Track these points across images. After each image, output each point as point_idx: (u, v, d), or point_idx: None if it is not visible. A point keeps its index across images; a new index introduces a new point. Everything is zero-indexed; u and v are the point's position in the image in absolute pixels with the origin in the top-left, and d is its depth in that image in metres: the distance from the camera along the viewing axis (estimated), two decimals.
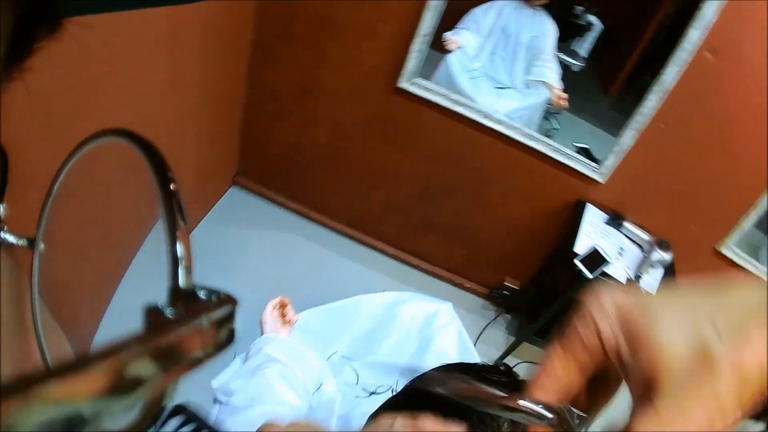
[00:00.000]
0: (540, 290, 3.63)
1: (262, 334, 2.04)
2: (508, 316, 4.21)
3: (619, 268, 3.14)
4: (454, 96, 3.38)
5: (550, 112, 3.47)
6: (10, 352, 0.43)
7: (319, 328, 2.31)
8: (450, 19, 3.37)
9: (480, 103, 3.38)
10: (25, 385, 0.23)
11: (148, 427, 0.34)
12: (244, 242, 3.97)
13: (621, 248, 3.26)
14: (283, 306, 2.10)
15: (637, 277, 3.08)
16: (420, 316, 2.41)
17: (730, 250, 3.41)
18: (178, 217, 0.35)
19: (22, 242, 0.46)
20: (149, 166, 0.36)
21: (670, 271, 3.22)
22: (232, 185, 4.37)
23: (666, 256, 3.07)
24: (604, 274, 3.07)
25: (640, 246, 3.35)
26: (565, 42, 3.48)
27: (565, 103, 3.34)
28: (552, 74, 3.37)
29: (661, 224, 3.41)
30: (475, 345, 3.52)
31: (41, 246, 0.46)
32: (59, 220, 0.45)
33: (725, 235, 3.38)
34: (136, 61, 2.36)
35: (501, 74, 3.43)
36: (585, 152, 3.42)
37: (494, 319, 4.05)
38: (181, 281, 0.34)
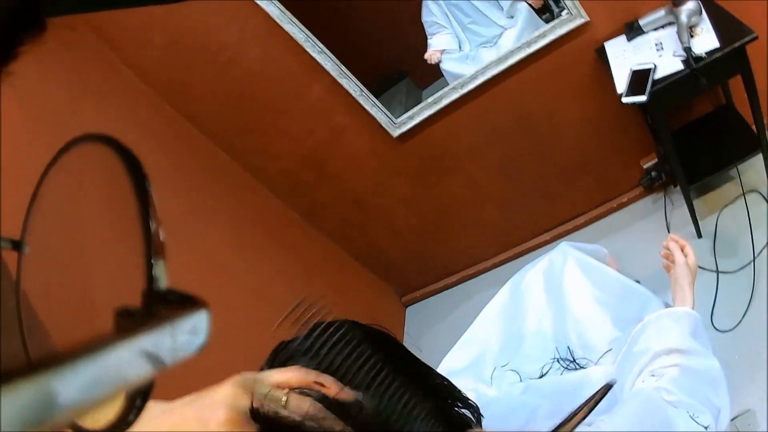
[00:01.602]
0: (671, 143, 3.40)
1: None
2: (677, 189, 3.93)
3: (667, 61, 2.81)
4: (455, 82, 3.40)
5: (537, 10, 3.35)
6: None
7: (465, 362, 2.25)
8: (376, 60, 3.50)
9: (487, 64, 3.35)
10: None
11: (126, 425, 0.33)
12: (448, 332, 3.98)
13: (657, 43, 2.96)
14: None
15: (688, 50, 2.67)
16: (539, 279, 2.34)
17: None
18: (151, 220, 0.35)
19: (5, 244, 0.46)
20: (126, 171, 0.36)
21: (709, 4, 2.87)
22: (406, 308, 4.50)
23: (689, 6, 2.76)
24: (660, 81, 2.74)
25: (670, 23, 2.99)
26: None
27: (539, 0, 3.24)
28: None
29: None
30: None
31: (27, 248, 0.46)
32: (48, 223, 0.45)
33: None
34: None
35: (486, 32, 3.37)
36: (541, 11, 3.27)
37: (665, 202, 3.78)
38: (154, 284, 0.34)
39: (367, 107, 3.44)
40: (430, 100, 3.45)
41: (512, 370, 2.11)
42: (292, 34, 3.15)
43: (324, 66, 3.27)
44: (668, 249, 1.89)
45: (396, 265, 4.41)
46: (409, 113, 3.51)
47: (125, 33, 3.26)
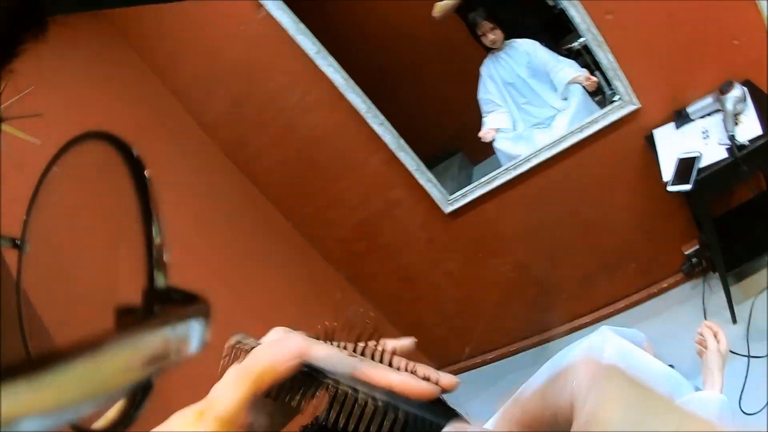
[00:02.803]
0: (712, 230, 3.34)
1: None
2: (716, 274, 3.86)
3: (712, 149, 2.79)
4: (509, 164, 3.39)
5: (592, 93, 3.35)
6: None
7: None
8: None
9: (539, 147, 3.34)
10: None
11: (129, 421, 0.33)
12: (480, 408, 3.91)
13: (703, 131, 2.93)
14: None
15: (732, 138, 2.65)
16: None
17: None
18: (153, 218, 0.34)
19: (4, 243, 0.44)
20: (127, 169, 0.35)
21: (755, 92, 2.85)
22: None
23: (735, 93, 2.74)
24: (704, 170, 2.72)
25: (715, 111, 2.96)
26: (559, 38, 3.40)
27: (594, 82, 3.24)
28: (568, 71, 3.28)
29: (712, 75, 2.99)
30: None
31: (27, 247, 0.45)
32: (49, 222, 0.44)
33: None
34: None
35: (540, 113, 3.38)
36: (594, 93, 3.28)
37: (704, 288, 3.70)
38: (156, 282, 0.33)
39: (422, 182, 3.44)
40: (483, 179, 3.44)
41: None
42: (354, 105, 3.18)
43: (383, 138, 3.29)
44: (702, 335, 1.91)
45: (437, 339, 4.35)
46: (462, 191, 3.49)
47: (190, 83, 3.35)
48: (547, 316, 4.12)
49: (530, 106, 3.37)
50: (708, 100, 2.93)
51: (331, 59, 3.10)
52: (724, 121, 2.77)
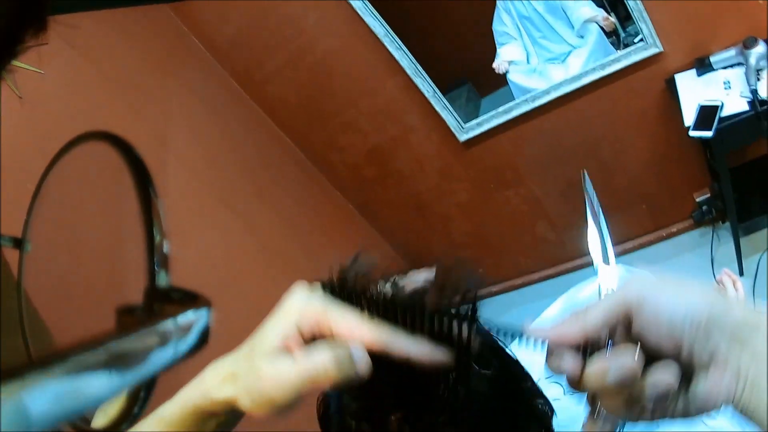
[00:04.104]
0: (728, 181, 3.32)
1: None
2: (727, 224, 3.85)
3: (734, 100, 2.78)
4: (527, 95, 3.35)
5: (609, 34, 3.31)
6: None
7: None
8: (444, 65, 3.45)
9: (556, 81, 3.31)
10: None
11: (132, 418, 0.33)
12: None
13: (725, 81, 2.90)
14: None
15: (754, 92, 2.64)
16: (595, 296, 2.32)
17: None
18: (155, 218, 0.34)
19: (5, 242, 0.45)
20: (129, 169, 0.35)
21: None
22: None
23: (759, 49, 2.71)
24: (725, 119, 2.72)
25: (739, 64, 2.93)
26: None
27: (611, 22, 3.19)
28: (585, 10, 3.20)
29: (735, 29, 2.96)
30: (713, 273, 3.34)
31: (29, 246, 0.45)
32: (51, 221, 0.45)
33: None
34: None
35: (555, 48, 3.33)
36: (617, 38, 3.21)
37: (713, 237, 3.70)
38: (157, 282, 0.33)
39: (438, 109, 3.40)
40: (501, 108, 3.39)
41: (556, 383, 2.12)
42: (372, 28, 3.12)
43: (401, 63, 3.23)
44: (721, 282, 1.89)
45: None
46: (478, 120, 3.45)
47: (202, 8, 3.28)
48: (557, 250, 4.14)
49: (545, 40, 3.31)
50: (731, 52, 2.90)
51: None
52: (747, 74, 2.74)
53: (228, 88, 3.47)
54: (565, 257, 4.15)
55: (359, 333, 0.59)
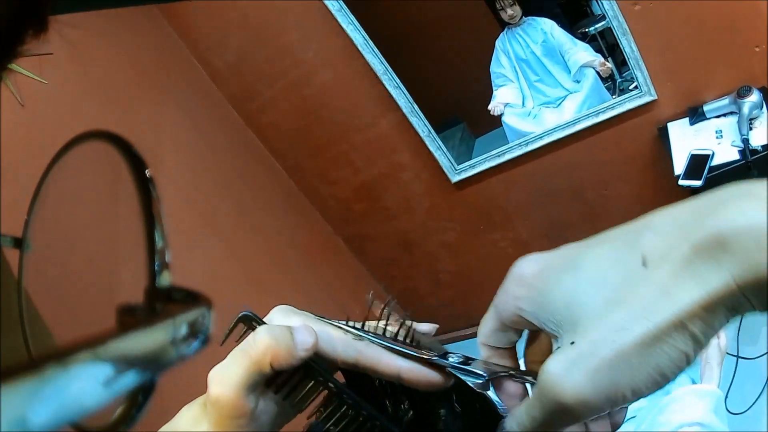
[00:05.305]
0: None
1: None
2: None
3: (725, 149, 2.83)
4: (520, 139, 3.39)
5: (605, 79, 3.34)
6: None
7: None
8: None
9: (549, 126, 3.35)
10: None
11: (131, 422, 0.32)
12: None
13: (717, 130, 2.96)
14: None
15: (746, 141, 2.70)
16: None
17: None
18: (156, 218, 0.34)
19: (6, 242, 0.45)
20: (128, 169, 0.35)
21: None
22: None
23: (753, 98, 2.76)
24: (715, 168, 2.76)
25: (732, 113, 2.97)
26: (574, 22, 3.36)
27: (608, 68, 3.23)
28: (582, 54, 3.25)
29: (730, 77, 3.00)
30: None
31: (29, 246, 0.45)
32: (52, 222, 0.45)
33: None
34: None
35: (551, 92, 3.36)
36: (613, 83, 3.24)
37: None
38: (157, 281, 0.33)
39: (432, 149, 3.43)
40: (494, 152, 3.42)
41: None
42: (371, 65, 3.15)
43: (398, 101, 3.26)
44: None
45: (429, 308, 4.36)
46: (471, 161, 3.48)
47: (203, 31, 3.32)
48: None
49: (542, 84, 3.35)
50: (725, 101, 2.95)
51: (352, 17, 3.06)
52: (739, 123, 2.79)
53: (223, 111, 3.48)
54: None
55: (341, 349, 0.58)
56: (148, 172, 0.35)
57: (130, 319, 0.31)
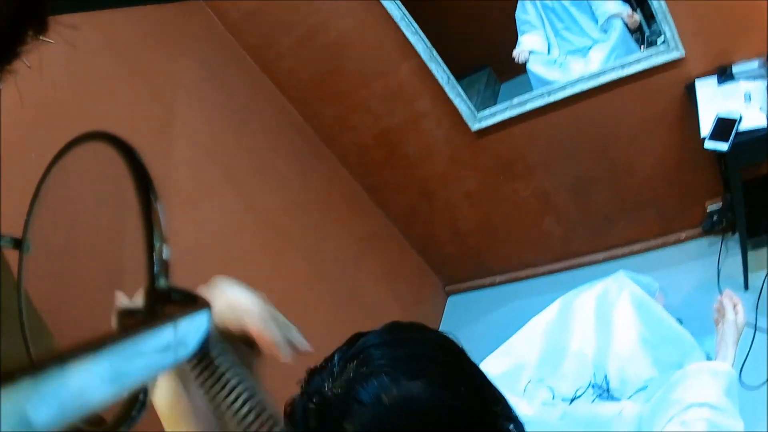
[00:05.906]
0: (740, 194, 3.30)
1: None
2: (736, 235, 3.82)
3: (754, 114, 2.71)
4: (543, 89, 3.32)
5: (633, 31, 3.28)
6: None
7: (500, 370, 2.26)
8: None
9: (575, 75, 3.27)
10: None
11: (131, 421, 0.32)
12: (485, 329, 3.97)
13: (746, 93, 2.83)
14: None
15: None
16: (591, 303, 2.35)
17: None
18: (155, 222, 0.33)
19: (5, 243, 0.45)
20: (129, 170, 0.35)
21: None
22: (449, 297, 4.61)
23: None
24: (742, 133, 2.66)
25: (760, 77, 2.88)
26: None
27: (636, 20, 3.17)
28: (611, 5, 3.19)
29: (761, 41, 2.90)
30: (718, 283, 3.33)
31: (29, 248, 0.45)
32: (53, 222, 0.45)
33: None
34: None
35: (577, 41, 3.31)
36: (642, 36, 3.18)
37: (721, 247, 3.67)
38: (158, 283, 0.32)
39: (452, 96, 3.37)
40: (515, 101, 3.36)
41: (547, 387, 2.14)
42: (389, 10, 3.09)
43: (416, 47, 3.21)
44: (721, 303, 1.89)
45: (448, 255, 4.39)
46: (492, 110, 3.43)
47: None
48: (562, 246, 4.14)
49: (568, 32, 3.30)
50: (754, 64, 2.86)
51: None
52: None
53: (240, 61, 3.45)
54: (570, 254, 4.14)
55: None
56: (148, 176, 0.34)
57: (131, 320, 0.31)
